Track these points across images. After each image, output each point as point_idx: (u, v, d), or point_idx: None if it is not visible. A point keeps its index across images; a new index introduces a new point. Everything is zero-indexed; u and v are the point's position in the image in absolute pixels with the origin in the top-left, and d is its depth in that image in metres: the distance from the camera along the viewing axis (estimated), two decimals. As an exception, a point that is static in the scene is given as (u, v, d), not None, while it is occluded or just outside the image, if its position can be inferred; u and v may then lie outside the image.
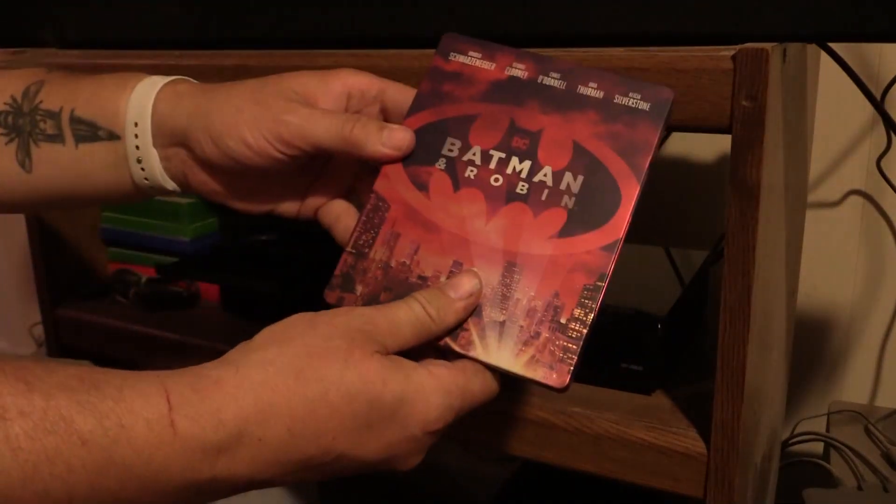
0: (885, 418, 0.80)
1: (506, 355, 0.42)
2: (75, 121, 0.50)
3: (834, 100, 0.85)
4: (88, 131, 0.50)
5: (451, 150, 0.45)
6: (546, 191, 0.44)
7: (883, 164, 0.85)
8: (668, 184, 0.95)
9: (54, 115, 0.50)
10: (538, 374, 0.41)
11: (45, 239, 0.86)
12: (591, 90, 0.45)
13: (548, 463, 0.58)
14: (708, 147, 0.94)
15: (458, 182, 0.45)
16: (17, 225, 0.88)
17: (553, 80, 0.45)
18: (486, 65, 0.47)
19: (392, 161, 0.46)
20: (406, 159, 0.46)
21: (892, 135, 0.80)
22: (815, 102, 0.78)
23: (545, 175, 0.44)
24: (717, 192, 0.93)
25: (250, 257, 0.84)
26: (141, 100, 0.49)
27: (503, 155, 0.45)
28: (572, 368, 0.41)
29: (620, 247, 0.42)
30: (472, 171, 0.45)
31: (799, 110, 0.62)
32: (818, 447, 0.82)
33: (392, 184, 0.46)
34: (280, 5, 0.61)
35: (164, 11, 0.66)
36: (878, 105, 0.75)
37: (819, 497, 0.68)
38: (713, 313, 0.54)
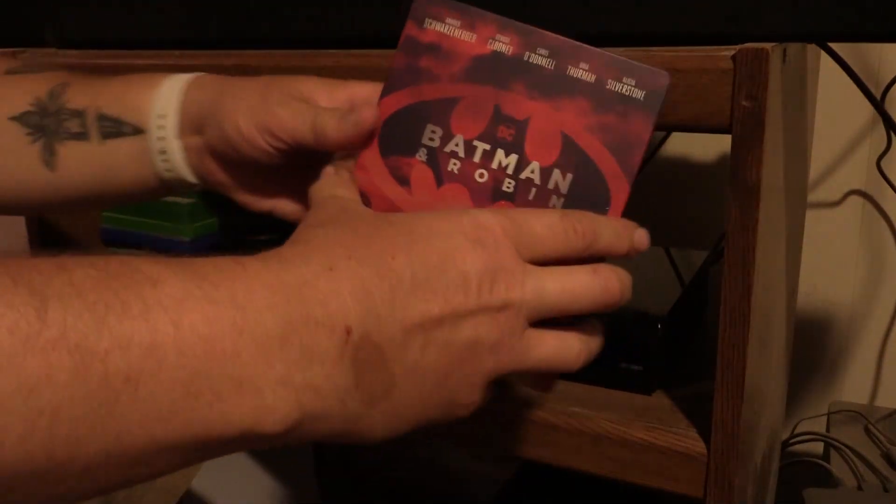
0: (885, 418, 0.80)
1: None
2: (101, 118, 0.50)
3: (834, 100, 0.85)
4: (114, 127, 0.50)
5: (431, 140, 0.42)
6: (534, 189, 0.41)
7: (883, 164, 0.85)
8: (668, 184, 0.95)
9: (80, 114, 0.51)
10: None
11: (45, 239, 0.86)
12: (582, 72, 0.41)
13: (548, 463, 0.58)
14: (708, 147, 0.94)
15: (440, 177, 0.42)
16: (17, 225, 0.88)
17: (540, 59, 0.41)
18: (467, 35, 0.42)
19: (357, 140, 0.42)
20: (384, 148, 0.42)
21: (892, 135, 0.80)
22: (815, 102, 0.78)
23: (533, 172, 0.41)
24: (717, 192, 0.93)
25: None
26: (169, 93, 0.49)
27: (488, 147, 0.41)
28: None
29: None
30: (455, 164, 0.42)
31: (799, 110, 0.62)
32: (818, 447, 0.82)
33: (371, 176, 0.43)
34: (280, 5, 0.61)
35: (165, 11, 0.66)
36: (878, 105, 0.75)
37: (819, 497, 0.68)
38: (713, 313, 0.54)
